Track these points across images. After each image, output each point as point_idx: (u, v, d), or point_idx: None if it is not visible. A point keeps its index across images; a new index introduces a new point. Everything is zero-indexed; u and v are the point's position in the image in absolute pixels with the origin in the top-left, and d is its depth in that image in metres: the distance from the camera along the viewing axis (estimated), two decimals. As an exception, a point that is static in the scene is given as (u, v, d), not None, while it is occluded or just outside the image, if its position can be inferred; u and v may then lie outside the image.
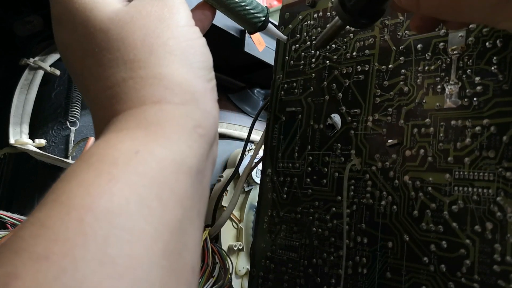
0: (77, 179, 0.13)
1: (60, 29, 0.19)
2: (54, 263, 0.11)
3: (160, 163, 0.14)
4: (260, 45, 0.46)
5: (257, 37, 0.46)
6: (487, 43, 0.20)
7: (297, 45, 0.29)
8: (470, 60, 0.21)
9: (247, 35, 0.45)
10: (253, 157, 0.30)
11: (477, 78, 0.20)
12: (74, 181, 0.13)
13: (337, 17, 0.22)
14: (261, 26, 0.24)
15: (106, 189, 0.13)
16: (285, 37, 0.28)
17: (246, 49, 0.45)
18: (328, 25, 0.25)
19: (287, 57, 0.29)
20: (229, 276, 0.28)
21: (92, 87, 0.18)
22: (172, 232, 0.13)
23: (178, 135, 0.15)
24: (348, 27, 0.25)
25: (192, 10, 0.21)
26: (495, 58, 0.20)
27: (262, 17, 0.24)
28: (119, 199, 0.13)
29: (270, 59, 0.47)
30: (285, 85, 0.29)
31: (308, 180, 0.26)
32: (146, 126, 0.15)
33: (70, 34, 0.18)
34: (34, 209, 0.12)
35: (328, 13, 0.27)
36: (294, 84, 0.29)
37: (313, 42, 0.28)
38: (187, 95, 0.17)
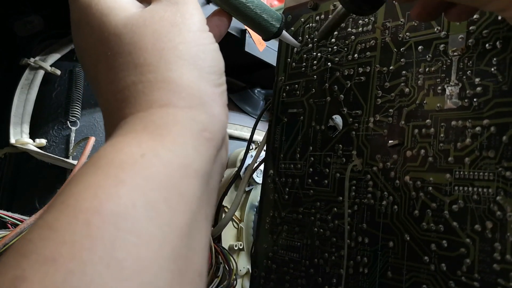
0: (84, 182, 0.13)
1: (78, 34, 0.19)
2: (61, 266, 0.11)
3: (166, 166, 0.14)
4: (261, 45, 0.46)
5: (258, 37, 0.46)
6: (487, 45, 0.20)
7: (299, 48, 0.29)
8: (470, 62, 0.21)
9: (247, 34, 0.45)
10: (255, 158, 0.30)
11: (477, 79, 0.20)
12: (82, 184, 0.13)
13: (340, 6, 0.22)
14: (275, 33, 0.24)
15: (113, 192, 0.13)
16: (299, 44, 0.28)
17: (246, 49, 0.45)
18: (331, 15, 0.25)
19: (289, 59, 0.29)
20: (234, 276, 0.29)
21: (104, 91, 0.18)
22: (179, 235, 0.13)
23: (184, 138, 0.15)
24: (347, 24, 0.26)
25: (209, 16, 0.21)
26: (494, 59, 0.20)
27: (277, 25, 0.24)
28: (125, 202, 0.13)
29: (270, 59, 0.47)
30: (287, 87, 0.29)
31: (310, 180, 0.26)
32: (153, 130, 0.15)
33: (86, 39, 0.18)
34: (43, 212, 0.12)
35: (330, 16, 0.28)
36: (296, 86, 0.29)
37: (315, 44, 0.28)
38: (194, 99, 0.17)
